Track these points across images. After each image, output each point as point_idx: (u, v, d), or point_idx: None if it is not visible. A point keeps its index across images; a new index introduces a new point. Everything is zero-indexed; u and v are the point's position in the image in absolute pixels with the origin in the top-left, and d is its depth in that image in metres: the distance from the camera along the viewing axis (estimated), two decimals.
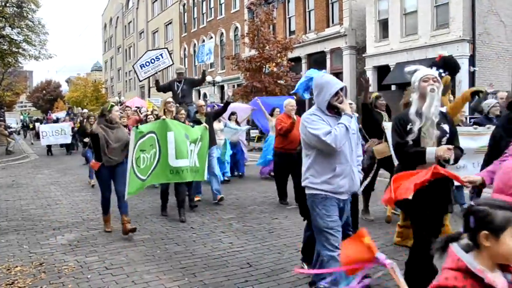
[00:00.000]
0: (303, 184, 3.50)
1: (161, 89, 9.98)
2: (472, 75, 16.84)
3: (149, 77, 11.44)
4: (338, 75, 22.13)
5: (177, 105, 7.78)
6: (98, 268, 4.55)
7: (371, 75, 20.08)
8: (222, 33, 32.19)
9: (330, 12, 22.62)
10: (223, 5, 32.12)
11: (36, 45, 24.22)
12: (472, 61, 16.77)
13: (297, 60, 23.22)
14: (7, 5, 22.66)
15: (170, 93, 9.88)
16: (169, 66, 11.23)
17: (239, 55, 23.11)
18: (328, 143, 3.19)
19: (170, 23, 41.38)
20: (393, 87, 19.06)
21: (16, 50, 23.93)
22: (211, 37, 33.65)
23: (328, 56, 22.36)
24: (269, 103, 11.68)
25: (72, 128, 18.65)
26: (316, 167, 3.40)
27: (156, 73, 10.79)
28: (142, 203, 8.02)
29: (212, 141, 7.62)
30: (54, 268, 4.56)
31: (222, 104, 13.09)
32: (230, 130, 10.68)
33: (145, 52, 11.24)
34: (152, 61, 10.63)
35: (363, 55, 20.45)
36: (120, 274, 4.39)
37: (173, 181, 6.44)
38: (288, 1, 25.31)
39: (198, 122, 7.35)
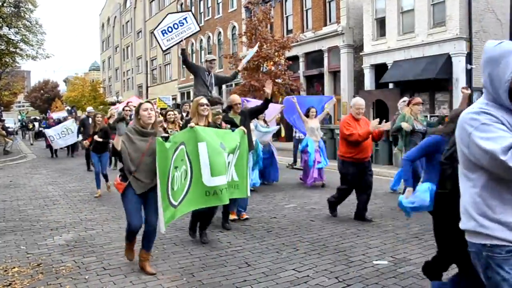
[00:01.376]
0: (465, 227, 2.17)
1: (189, 64, 8.60)
2: (469, 73, 16.87)
3: (173, 46, 9.54)
4: (336, 73, 22.17)
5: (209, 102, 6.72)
6: (96, 269, 4.54)
7: (368, 74, 20.10)
8: (219, 32, 32.15)
9: (328, 11, 22.61)
10: (220, 4, 32.08)
11: (34, 45, 24.23)
12: (469, 59, 16.80)
13: (295, 58, 23.22)
14: (4, 4, 22.62)
15: (187, 88, 8.88)
16: (195, 33, 9.43)
17: (237, 54, 23.09)
18: (510, 166, 1.86)
19: None
20: (391, 85, 19.07)
21: (14, 50, 23.92)
22: (209, 37, 33.61)
23: (325, 55, 22.35)
24: (304, 102, 10.54)
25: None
26: (489, 200, 2.04)
27: (182, 41, 8.95)
28: None
29: (250, 145, 6.07)
30: (51, 268, 4.55)
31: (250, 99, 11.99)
32: (261, 131, 9.44)
33: (166, 15, 9.36)
34: (176, 26, 8.90)
35: (361, 53, 20.46)
36: (118, 274, 4.38)
37: (211, 205, 5.02)
38: (286, 0, 25.30)
39: (232, 123, 6.06)
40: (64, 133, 16.93)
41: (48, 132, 17.53)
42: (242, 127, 5.65)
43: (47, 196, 9.01)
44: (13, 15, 22.98)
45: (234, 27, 30.22)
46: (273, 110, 11.04)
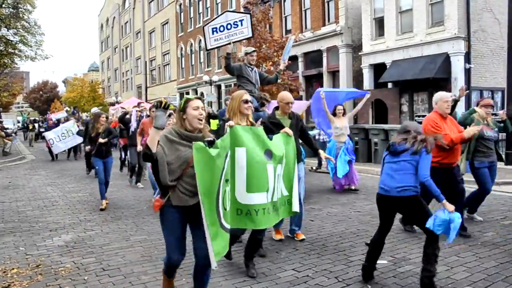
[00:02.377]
0: None
1: (232, 69, 7.38)
2: (467, 72, 16.88)
3: (218, 48, 8.61)
4: (335, 73, 22.16)
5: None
6: (95, 270, 4.53)
7: (367, 73, 20.11)
8: None
9: (326, 11, 22.59)
10: (219, 4, 32.08)
11: (32, 45, 24.23)
12: (467, 58, 16.80)
13: (294, 58, 23.18)
14: (3, 6, 22.62)
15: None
16: (247, 38, 8.51)
17: (236, 54, 23.07)
18: None
19: (167, 23, 41.33)
20: (390, 85, 19.07)
21: (12, 51, 23.91)
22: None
23: (324, 55, 22.34)
24: (334, 98, 9.31)
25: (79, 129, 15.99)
26: None
27: (230, 43, 7.92)
28: (139, 204, 8.02)
29: (298, 157, 4.90)
30: (50, 270, 4.55)
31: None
32: None
33: (223, 12, 8.53)
34: (229, 26, 8.10)
35: (359, 53, 20.46)
36: (117, 275, 4.38)
37: (243, 227, 4.07)
38: (284, 0, 25.29)
39: (278, 125, 5.01)
40: (64, 135, 15.70)
41: (48, 135, 16.27)
42: (287, 129, 4.65)
43: (46, 197, 9.00)
44: (12, 16, 22.98)
45: None
46: (298, 108, 9.58)
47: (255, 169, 3.88)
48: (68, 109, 35.30)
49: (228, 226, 3.47)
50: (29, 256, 5.02)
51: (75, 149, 17.43)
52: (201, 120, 3.29)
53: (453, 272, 4.23)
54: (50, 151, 17.27)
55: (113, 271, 4.48)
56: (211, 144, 3.16)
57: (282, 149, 4.29)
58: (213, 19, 8.15)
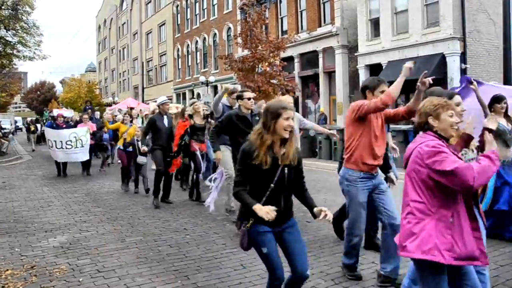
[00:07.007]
0: None
1: None
2: (463, 72, 16.93)
3: None
4: (331, 74, 22.20)
5: None
6: (90, 271, 4.53)
7: (363, 74, 20.13)
8: (215, 34, 32.14)
9: (322, 12, 22.65)
10: (215, 6, 32.08)
11: (31, 46, 24.12)
12: (463, 58, 16.86)
13: (290, 59, 23.20)
14: (3, 7, 22.58)
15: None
16: None
17: (232, 55, 23.07)
18: None
19: (164, 24, 41.32)
20: None
21: (11, 51, 23.84)
22: (205, 38, 33.58)
23: (320, 55, 22.38)
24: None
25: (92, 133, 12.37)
26: None
27: None
28: (135, 204, 8.01)
29: None
30: (45, 271, 4.54)
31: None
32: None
33: None
34: None
35: (355, 54, 20.49)
36: (112, 277, 4.37)
37: None
38: (280, 1, 25.31)
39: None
40: (71, 144, 11.62)
41: (49, 134, 12.20)
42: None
43: (42, 197, 8.97)
44: (11, 18, 22.92)
45: (229, 28, 30.20)
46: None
47: None
48: (66, 108, 34.94)
49: None
50: (24, 257, 5.01)
51: (87, 163, 12.54)
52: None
53: None
54: (57, 164, 12.41)
55: (108, 273, 4.48)
56: None
57: None
58: None
